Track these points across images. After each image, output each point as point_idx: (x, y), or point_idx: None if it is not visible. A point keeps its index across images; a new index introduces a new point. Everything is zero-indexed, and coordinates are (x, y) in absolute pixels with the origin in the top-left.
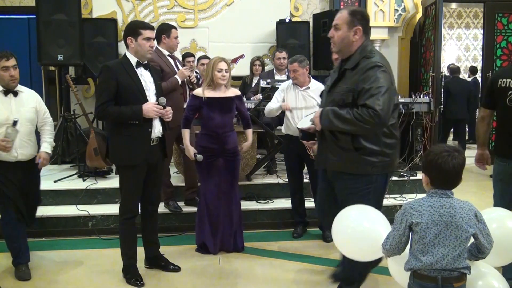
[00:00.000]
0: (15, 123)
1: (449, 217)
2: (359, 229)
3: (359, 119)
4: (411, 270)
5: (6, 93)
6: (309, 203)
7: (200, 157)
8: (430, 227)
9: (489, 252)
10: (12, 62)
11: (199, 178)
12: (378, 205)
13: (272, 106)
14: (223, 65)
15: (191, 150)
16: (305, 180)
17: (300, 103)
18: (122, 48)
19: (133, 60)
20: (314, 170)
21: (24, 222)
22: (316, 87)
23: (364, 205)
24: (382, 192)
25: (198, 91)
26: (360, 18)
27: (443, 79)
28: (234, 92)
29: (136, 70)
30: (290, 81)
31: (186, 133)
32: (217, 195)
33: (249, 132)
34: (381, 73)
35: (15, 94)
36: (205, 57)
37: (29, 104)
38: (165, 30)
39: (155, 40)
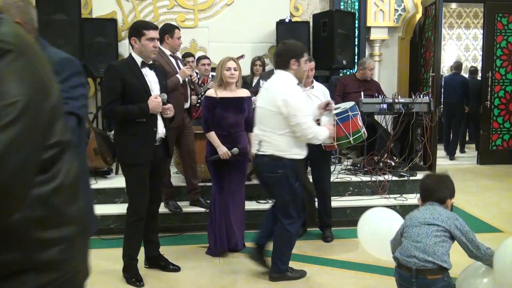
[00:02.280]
0: None
1: (429, 215)
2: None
3: None
4: (394, 259)
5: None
6: None
7: (235, 150)
8: (412, 225)
9: (484, 261)
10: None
11: (211, 178)
12: None
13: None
14: (231, 64)
15: (224, 149)
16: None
17: (307, 103)
18: (122, 48)
19: (139, 60)
20: (318, 172)
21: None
22: (319, 87)
23: None
24: None
25: (210, 92)
26: None
27: (442, 78)
28: (245, 92)
29: (141, 70)
30: None
31: (213, 135)
32: (229, 195)
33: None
34: (13, 65)
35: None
36: (205, 57)
37: None
38: (168, 31)
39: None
